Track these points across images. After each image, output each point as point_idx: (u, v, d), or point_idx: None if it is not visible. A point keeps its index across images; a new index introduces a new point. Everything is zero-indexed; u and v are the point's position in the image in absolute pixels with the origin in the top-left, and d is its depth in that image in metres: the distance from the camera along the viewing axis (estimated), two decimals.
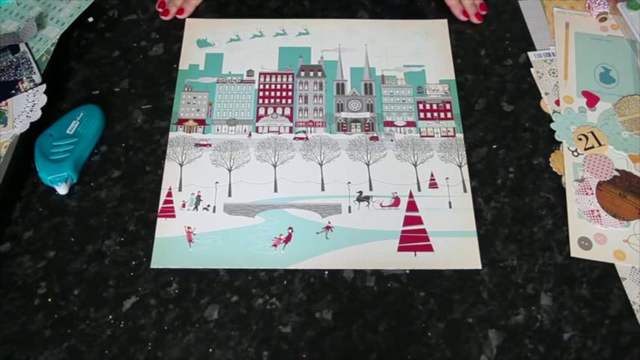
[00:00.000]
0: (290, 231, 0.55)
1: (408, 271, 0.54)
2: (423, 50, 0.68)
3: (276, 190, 0.58)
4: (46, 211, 0.57)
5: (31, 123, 0.59)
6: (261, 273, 0.53)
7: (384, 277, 0.53)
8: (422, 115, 0.63)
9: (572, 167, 0.59)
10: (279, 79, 0.66)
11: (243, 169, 0.59)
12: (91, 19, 0.70)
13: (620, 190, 0.58)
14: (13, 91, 0.61)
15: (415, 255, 0.54)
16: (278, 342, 0.50)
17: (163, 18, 0.70)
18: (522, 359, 0.50)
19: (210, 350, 0.50)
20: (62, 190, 0.57)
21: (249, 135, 0.62)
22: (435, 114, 0.63)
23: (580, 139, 0.61)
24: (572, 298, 0.53)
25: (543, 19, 0.70)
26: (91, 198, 0.57)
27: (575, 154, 0.60)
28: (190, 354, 0.50)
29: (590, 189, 0.58)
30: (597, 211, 0.57)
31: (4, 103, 0.60)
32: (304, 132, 0.62)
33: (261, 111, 0.63)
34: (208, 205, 0.57)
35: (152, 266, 0.53)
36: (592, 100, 0.64)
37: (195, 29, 0.69)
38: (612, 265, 0.54)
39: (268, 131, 0.62)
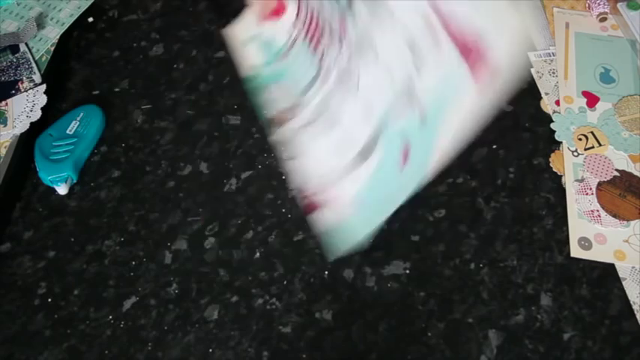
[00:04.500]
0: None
1: (407, 271, 0.54)
2: None
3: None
4: (46, 211, 0.57)
5: (31, 123, 0.59)
6: (261, 273, 0.54)
7: (384, 277, 0.53)
8: None
9: (572, 167, 0.59)
10: None
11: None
12: (91, 19, 0.70)
13: (620, 190, 0.58)
14: (13, 91, 0.61)
15: None
16: (278, 342, 0.50)
17: None
18: (522, 359, 0.50)
19: (210, 350, 0.50)
20: (62, 190, 0.57)
21: None
22: None
23: (580, 139, 0.61)
24: (572, 298, 0.53)
25: (543, 19, 0.70)
26: (91, 198, 0.57)
27: (575, 154, 0.60)
28: (190, 354, 0.50)
29: (590, 189, 0.58)
30: (597, 211, 0.56)
31: (4, 103, 0.60)
32: None
33: None
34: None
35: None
36: (592, 100, 0.64)
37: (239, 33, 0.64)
38: (612, 265, 0.54)
39: None
